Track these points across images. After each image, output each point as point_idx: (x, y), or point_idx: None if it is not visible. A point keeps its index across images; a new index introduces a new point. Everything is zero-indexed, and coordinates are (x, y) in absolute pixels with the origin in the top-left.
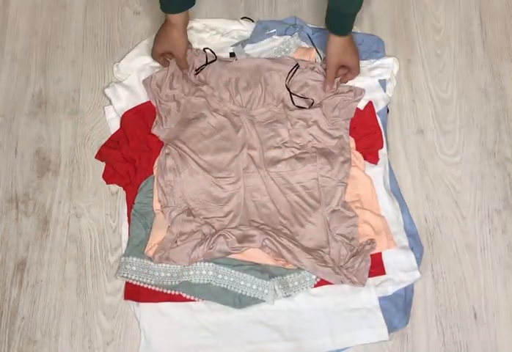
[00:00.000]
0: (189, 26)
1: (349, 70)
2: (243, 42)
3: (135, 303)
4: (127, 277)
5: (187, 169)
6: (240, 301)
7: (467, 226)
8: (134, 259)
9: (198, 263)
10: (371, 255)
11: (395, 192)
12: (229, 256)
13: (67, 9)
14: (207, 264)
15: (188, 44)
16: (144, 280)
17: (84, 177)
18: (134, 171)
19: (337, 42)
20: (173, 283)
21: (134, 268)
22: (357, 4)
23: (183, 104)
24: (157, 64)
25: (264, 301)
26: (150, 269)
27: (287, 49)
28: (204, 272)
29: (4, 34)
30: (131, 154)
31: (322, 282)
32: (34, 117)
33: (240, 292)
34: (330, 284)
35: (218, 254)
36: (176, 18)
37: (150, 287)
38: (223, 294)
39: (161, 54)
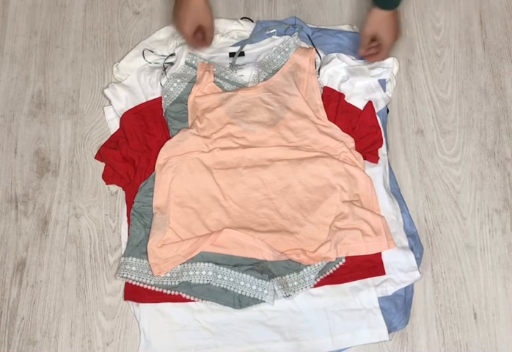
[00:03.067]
0: None
1: (380, 48)
2: (243, 42)
3: (135, 303)
4: (127, 277)
5: None
6: (240, 302)
7: (467, 227)
8: (134, 259)
9: (198, 263)
10: (371, 255)
11: (395, 192)
12: (231, 253)
13: (66, 9)
14: (207, 264)
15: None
16: (144, 280)
17: (84, 178)
18: (134, 171)
19: (376, 13)
20: (173, 283)
21: (134, 269)
22: None
23: None
24: (157, 65)
25: (264, 302)
26: (150, 269)
27: (286, 49)
28: (204, 272)
29: (3, 34)
30: (131, 154)
31: (322, 282)
32: (33, 118)
33: (239, 292)
34: (330, 284)
35: None
36: None
37: (149, 287)
38: (223, 294)
39: (193, 33)
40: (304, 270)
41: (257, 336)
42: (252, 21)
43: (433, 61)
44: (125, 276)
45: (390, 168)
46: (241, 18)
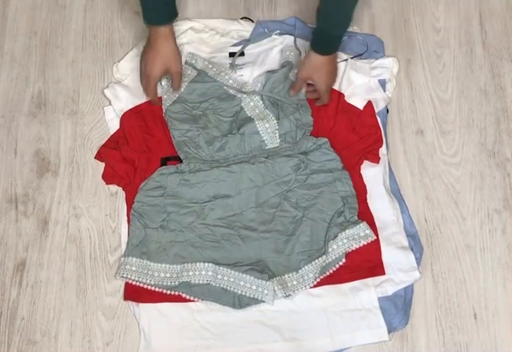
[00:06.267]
0: (189, 25)
1: (319, 94)
2: (244, 43)
3: (135, 303)
4: (126, 277)
5: None
6: (240, 302)
7: (467, 227)
8: (134, 259)
9: (198, 263)
10: (371, 255)
11: (395, 192)
12: None
13: (66, 9)
14: (206, 264)
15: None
16: (144, 280)
17: (84, 178)
18: (134, 171)
19: (313, 57)
20: (172, 283)
21: (134, 269)
22: (345, 25)
23: None
24: None
25: (264, 302)
26: (150, 269)
27: (287, 53)
28: (203, 272)
29: (3, 34)
30: (131, 154)
31: (322, 282)
32: (33, 118)
33: (239, 292)
34: (329, 284)
35: None
36: (167, 30)
37: (149, 287)
38: (222, 294)
39: (159, 77)
40: (303, 268)
41: (256, 337)
42: (252, 21)
43: (433, 61)
44: (124, 276)
45: (390, 168)
46: (241, 18)
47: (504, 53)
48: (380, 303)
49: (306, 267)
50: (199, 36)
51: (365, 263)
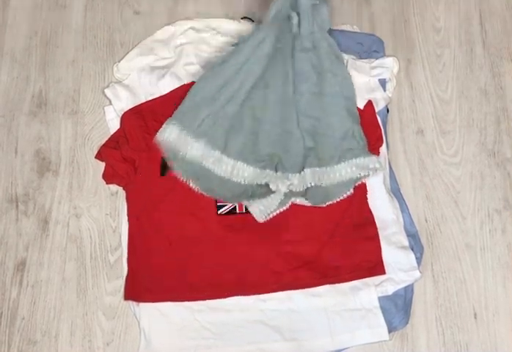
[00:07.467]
0: (189, 25)
1: None
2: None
3: (135, 303)
4: (167, 140)
5: None
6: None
7: (467, 226)
8: (176, 125)
9: (223, 157)
10: (371, 255)
11: (395, 192)
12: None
13: (66, 9)
14: (231, 160)
15: None
16: (179, 148)
17: (84, 177)
18: (134, 171)
19: None
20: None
21: (173, 136)
22: None
23: None
24: (157, 64)
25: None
26: (186, 142)
27: None
28: (223, 167)
29: (3, 34)
30: (131, 154)
31: (322, 282)
32: (34, 117)
33: (251, 192)
34: (329, 283)
35: None
36: None
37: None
38: (238, 188)
39: None
40: (305, 171)
41: (256, 336)
42: (253, 21)
43: (433, 60)
44: (164, 138)
45: (390, 168)
46: (242, 18)
47: (504, 52)
48: (380, 303)
49: (306, 170)
50: (200, 35)
51: (365, 263)
